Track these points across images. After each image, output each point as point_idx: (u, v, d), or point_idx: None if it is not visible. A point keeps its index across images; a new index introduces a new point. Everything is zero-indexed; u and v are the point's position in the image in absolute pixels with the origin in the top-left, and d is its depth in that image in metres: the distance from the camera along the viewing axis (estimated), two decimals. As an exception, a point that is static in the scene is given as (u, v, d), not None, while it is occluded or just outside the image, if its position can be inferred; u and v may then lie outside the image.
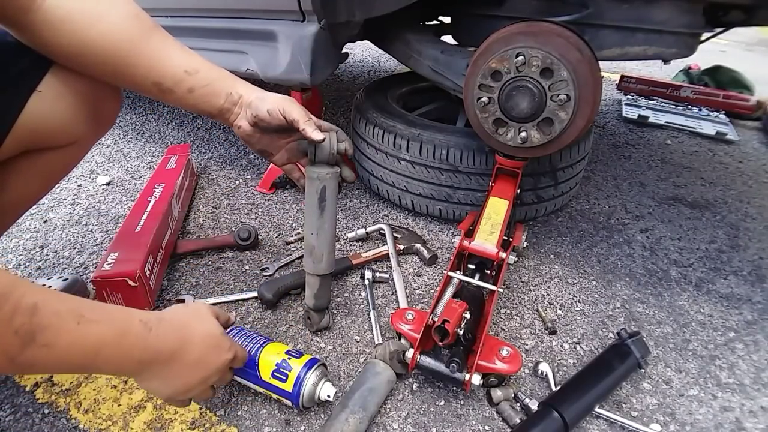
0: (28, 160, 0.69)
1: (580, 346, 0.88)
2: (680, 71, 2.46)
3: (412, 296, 0.98)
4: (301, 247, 1.11)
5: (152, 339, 0.54)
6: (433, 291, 1.00)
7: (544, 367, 0.80)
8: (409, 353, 0.74)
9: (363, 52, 3.03)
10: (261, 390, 0.73)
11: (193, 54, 0.67)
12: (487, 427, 0.72)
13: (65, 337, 0.45)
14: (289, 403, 0.71)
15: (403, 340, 0.80)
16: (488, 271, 0.90)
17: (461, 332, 0.72)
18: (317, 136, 0.69)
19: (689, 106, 2.16)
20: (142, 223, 0.99)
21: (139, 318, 0.53)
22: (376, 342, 0.86)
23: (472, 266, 0.90)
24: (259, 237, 1.13)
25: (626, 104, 2.16)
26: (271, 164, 1.35)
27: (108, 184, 1.40)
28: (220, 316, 0.67)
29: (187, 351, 0.57)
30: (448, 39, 1.33)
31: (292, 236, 1.15)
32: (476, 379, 0.70)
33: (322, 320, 0.86)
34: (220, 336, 0.63)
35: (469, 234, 0.91)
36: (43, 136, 0.67)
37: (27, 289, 0.43)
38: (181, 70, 0.65)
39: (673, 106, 2.16)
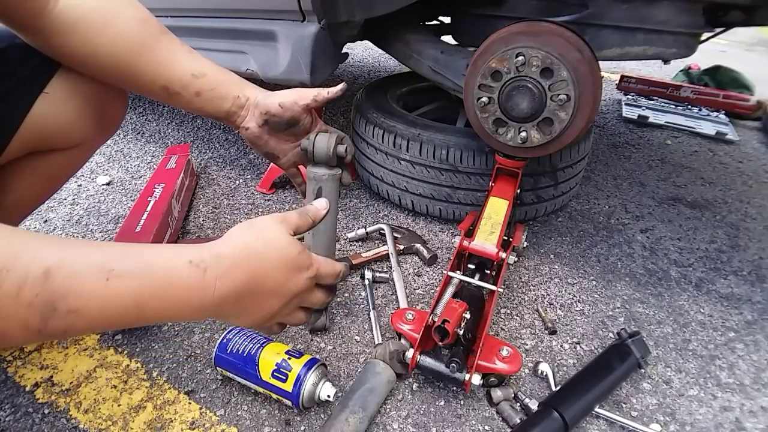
0: (33, 161, 0.69)
1: (580, 346, 0.88)
2: (680, 71, 2.46)
3: (412, 296, 0.98)
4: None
5: (210, 282, 0.45)
6: (433, 291, 1.00)
7: (544, 367, 0.80)
8: (409, 353, 0.74)
9: (363, 52, 3.03)
10: (261, 390, 0.73)
11: (200, 57, 0.68)
12: (487, 427, 0.72)
13: (94, 300, 0.39)
14: (289, 403, 0.71)
15: (403, 340, 0.80)
16: (488, 271, 0.90)
17: (461, 332, 0.72)
18: (334, 90, 0.70)
19: (689, 106, 2.16)
20: (142, 223, 0.99)
21: (189, 259, 0.44)
22: (376, 342, 0.86)
23: (472, 266, 0.90)
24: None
25: (626, 104, 2.16)
26: (271, 164, 1.35)
27: (108, 184, 1.40)
28: (290, 221, 0.55)
29: (259, 284, 0.49)
30: (448, 39, 1.33)
31: (292, 236, 1.15)
32: (476, 379, 0.70)
33: (318, 320, 0.86)
34: (296, 255, 0.52)
35: (469, 234, 0.91)
36: (49, 137, 0.67)
37: (36, 252, 0.37)
38: (189, 73, 0.65)
39: (673, 106, 2.16)
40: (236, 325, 0.52)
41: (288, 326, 0.58)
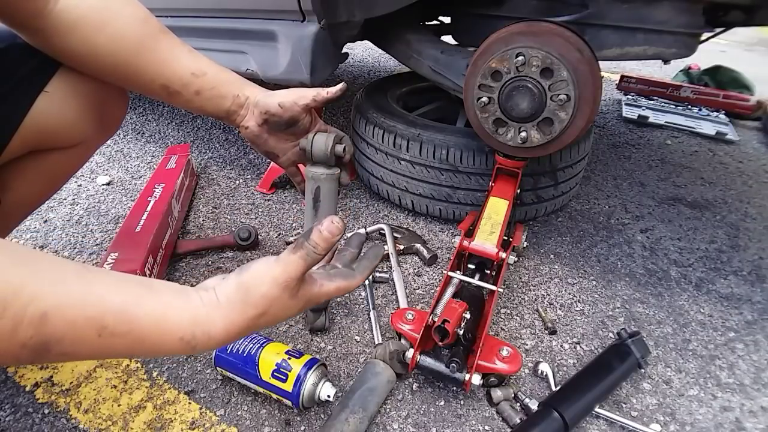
0: (33, 160, 0.69)
1: (580, 346, 0.88)
2: (680, 71, 2.46)
3: (412, 296, 0.98)
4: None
5: (202, 345, 0.44)
6: (433, 291, 1.00)
7: (544, 367, 0.80)
8: (409, 353, 0.74)
9: (363, 52, 3.03)
10: (261, 390, 0.73)
11: (200, 56, 0.68)
12: (487, 427, 0.72)
13: (85, 348, 0.39)
14: (289, 403, 0.71)
15: (403, 340, 0.80)
16: (488, 271, 0.90)
17: (461, 332, 0.72)
18: (333, 89, 0.69)
19: (689, 106, 2.16)
20: (142, 223, 0.99)
21: (180, 336, 0.43)
22: (376, 342, 0.86)
23: (472, 266, 0.90)
24: (259, 237, 1.13)
25: (626, 104, 2.16)
26: (271, 164, 1.35)
27: (108, 184, 1.40)
28: (288, 268, 0.46)
29: (255, 326, 0.47)
30: (448, 39, 1.33)
31: (292, 236, 1.15)
32: (476, 379, 0.70)
33: (317, 320, 0.86)
34: (281, 292, 0.46)
35: (469, 234, 0.91)
36: (50, 136, 0.67)
37: (36, 292, 0.36)
38: (189, 72, 0.65)
39: (673, 106, 2.16)
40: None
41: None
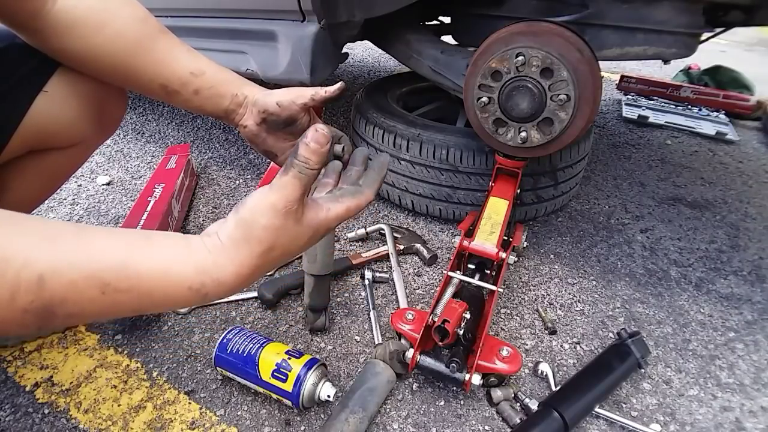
0: (33, 160, 0.70)
1: (580, 346, 0.88)
2: (680, 71, 2.46)
3: (412, 296, 0.98)
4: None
5: (214, 293, 0.43)
6: (433, 291, 1.00)
7: (544, 367, 0.80)
8: (409, 353, 0.74)
9: (363, 52, 3.03)
10: (261, 390, 0.73)
11: (199, 56, 0.68)
12: (487, 427, 0.72)
13: (91, 306, 0.38)
14: (289, 403, 0.71)
15: (403, 340, 0.80)
16: (488, 271, 0.90)
17: (461, 332, 0.72)
18: (331, 89, 0.69)
19: (689, 106, 2.16)
20: (142, 223, 0.99)
21: (188, 286, 0.42)
22: (376, 342, 0.86)
23: (472, 266, 0.90)
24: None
25: (626, 104, 2.16)
26: (271, 164, 1.35)
27: (108, 184, 1.40)
28: (279, 189, 0.44)
29: (266, 263, 0.45)
30: (448, 39, 1.33)
31: (292, 236, 1.15)
32: (476, 379, 0.70)
33: (317, 321, 0.86)
34: (284, 219, 0.44)
35: (469, 234, 0.91)
36: (49, 136, 0.67)
37: (27, 257, 0.35)
38: (188, 72, 0.65)
39: (673, 106, 2.16)
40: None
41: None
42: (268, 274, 1.02)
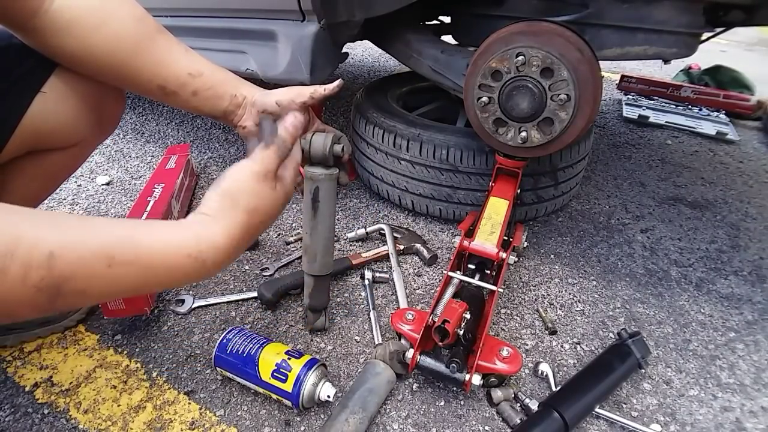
0: (31, 161, 0.69)
1: (581, 346, 0.87)
2: (680, 71, 2.46)
3: (412, 296, 0.98)
4: (300, 246, 1.11)
5: (211, 259, 0.49)
6: (433, 291, 0.99)
7: (545, 368, 0.80)
8: (409, 353, 0.74)
9: (363, 52, 3.03)
10: (261, 390, 0.73)
11: (197, 56, 0.68)
12: (487, 428, 0.72)
13: (98, 281, 0.41)
14: (289, 403, 0.71)
15: (403, 341, 0.80)
16: (488, 271, 0.89)
17: (461, 332, 0.72)
18: (330, 86, 0.70)
19: (689, 106, 2.16)
20: (141, 223, 0.98)
21: (188, 253, 0.47)
22: (376, 342, 0.86)
23: (472, 266, 0.90)
24: (259, 237, 1.13)
25: (626, 104, 2.16)
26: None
27: (108, 184, 1.40)
28: (257, 161, 0.57)
29: (252, 224, 0.53)
30: (448, 39, 1.33)
31: (292, 236, 1.15)
32: (476, 380, 0.70)
33: (317, 321, 0.86)
34: (263, 185, 0.55)
35: (469, 234, 0.91)
36: (47, 136, 0.67)
37: (36, 235, 0.38)
38: (186, 72, 0.65)
39: (674, 106, 2.16)
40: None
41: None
42: (268, 274, 1.02)
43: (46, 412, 0.73)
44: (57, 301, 0.39)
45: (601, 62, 0.89)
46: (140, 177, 1.44)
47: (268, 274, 1.02)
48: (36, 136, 0.65)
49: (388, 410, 0.74)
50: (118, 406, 0.74)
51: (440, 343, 0.71)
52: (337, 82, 0.71)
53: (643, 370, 0.82)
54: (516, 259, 0.92)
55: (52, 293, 0.38)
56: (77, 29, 0.59)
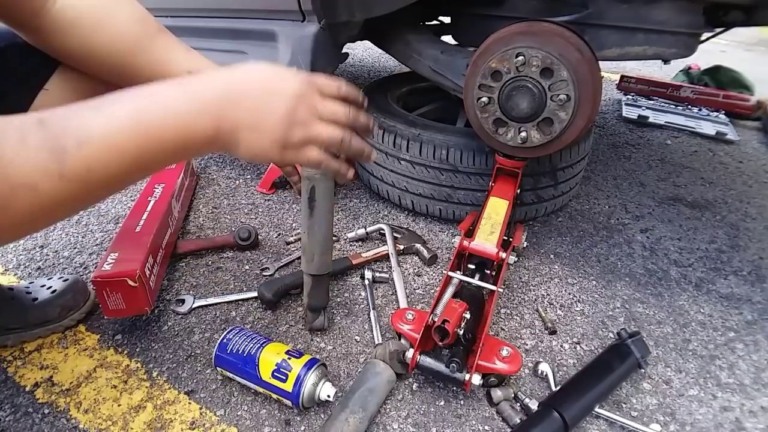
0: None
1: (580, 346, 0.87)
2: (680, 71, 2.46)
3: (412, 296, 0.98)
4: (300, 246, 1.11)
5: (195, 85, 0.47)
6: (433, 291, 0.99)
7: (544, 367, 0.80)
8: (409, 353, 0.74)
9: (363, 52, 3.03)
10: (261, 390, 0.73)
11: (197, 55, 0.68)
12: (487, 427, 0.72)
13: (94, 124, 0.40)
14: (289, 403, 0.71)
15: (403, 340, 0.80)
16: (488, 271, 0.90)
17: (461, 332, 0.72)
18: None
19: (689, 106, 2.16)
20: (142, 223, 0.99)
21: (178, 81, 0.46)
22: (376, 342, 0.86)
23: (472, 266, 0.90)
24: (259, 237, 1.13)
25: (626, 104, 2.16)
26: (271, 164, 1.35)
27: (108, 184, 1.40)
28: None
29: (248, 85, 0.48)
30: (448, 39, 1.33)
31: (291, 236, 1.15)
32: (476, 379, 0.70)
33: (316, 321, 0.86)
34: (276, 77, 0.50)
35: (469, 234, 0.91)
36: None
37: (21, 117, 0.38)
38: (185, 71, 0.66)
39: (673, 106, 2.16)
40: (263, 146, 0.49)
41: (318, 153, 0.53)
42: (268, 274, 1.02)
43: (46, 411, 0.73)
44: (65, 159, 0.38)
45: (600, 62, 0.90)
46: (140, 177, 1.44)
47: (268, 274, 1.02)
48: None
49: (388, 410, 0.74)
50: (119, 405, 0.74)
51: (440, 343, 0.71)
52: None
53: (643, 370, 0.82)
54: (516, 259, 0.92)
55: (56, 149, 0.38)
56: (80, 28, 0.60)
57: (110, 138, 0.40)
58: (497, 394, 0.75)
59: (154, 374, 0.79)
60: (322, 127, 0.51)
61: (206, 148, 0.48)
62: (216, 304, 0.94)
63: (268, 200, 1.32)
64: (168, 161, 0.46)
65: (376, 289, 0.99)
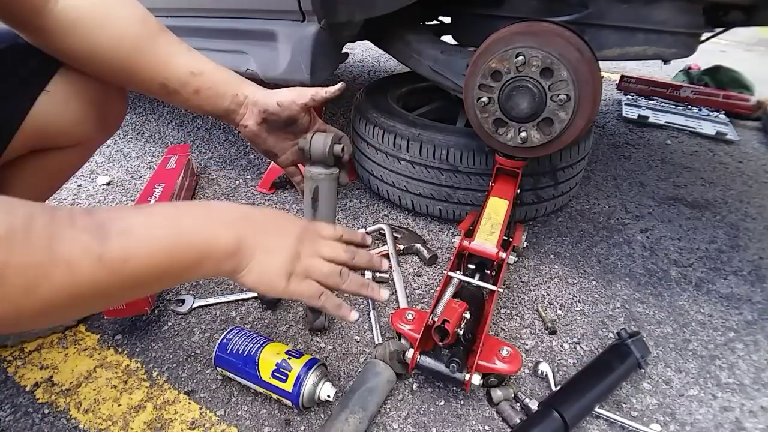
0: (34, 159, 0.70)
1: (580, 346, 0.88)
2: (680, 71, 2.46)
3: (412, 296, 0.98)
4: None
5: (215, 206, 0.53)
6: (433, 291, 1.00)
7: (544, 367, 0.80)
8: (409, 353, 0.74)
9: (363, 52, 3.03)
10: (261, 390, 0.73)
11: (199, 55, 0.68)
12: (487, 427, 0.72)
13: (135, 222, 0.44)
14: (289, 403, 0.71)
15: (403, 340, 0.80)
16: (488, 271, 0.89)
17: (461, 332, 0.72)
18: (332, 89, 0.70)
19: (689, 106, 2.16)
20: (142, 223, 0.99)
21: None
22: (376, 342, 0.86)
23: (472, 266, 0.90)
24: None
25: (626, 104, 2.16)
26: (271, 164, 1.35)
27: (108, 184, 1.40)
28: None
29: (258, 222, 0.55)
30: (448, 39, 1.33)
31: (292, 236, 1.15)
32: (476, 379, 0.70)
33: (317, 321, 0.86)
34: (282, 216, 0.60)
35: (469, 234, 0.91)
36: (50, 135, 0.68)
37: (72, 207, 0.42)
38: (187, 71, 0.66)
39: (673, 106, 2.16)
40: (272, 271, 0.54)
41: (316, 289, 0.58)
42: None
43: (46, 411, 0.73)
44: (106, 243, 0.40)
45: (600, 62, 0.90)
46: (141, 177, 1.44)
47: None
48: (39, 135, 0.66)
49: (388, 410, 0.74)
50: (119, 405, 0.74)
51: (440, 343, 0.71)
52: (338, 85, 0.71)
53: (643, 370, 0.82)
54: (516, 259, 0.92)
55: (99, 233, 0.40)
56: (81, 29, 0.60)
57: (149, 232, 0.44)
58: (497, 394, 0.75)
59: (154, 374, 0.79)
60: (322, 263, 0.58)
61: (222, 263, 0.51)
62: (216, 304, 0.94)
63: (269, 200, 1.32)
64: (189, 271, 0.49)
65: (376, 289, 0.99)
